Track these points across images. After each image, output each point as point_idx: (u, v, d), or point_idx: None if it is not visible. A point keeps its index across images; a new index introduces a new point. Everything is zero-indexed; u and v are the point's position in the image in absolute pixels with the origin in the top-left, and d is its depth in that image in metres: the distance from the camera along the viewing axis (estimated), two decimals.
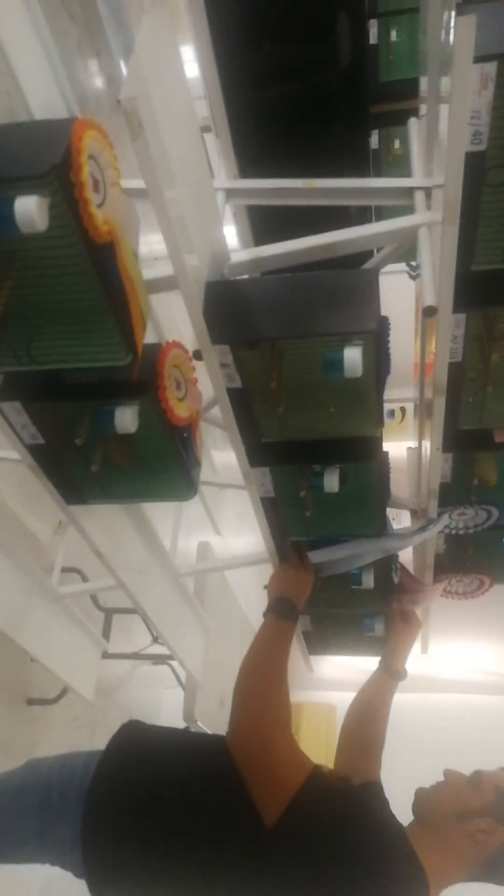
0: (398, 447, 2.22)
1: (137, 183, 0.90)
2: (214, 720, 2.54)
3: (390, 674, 1.56)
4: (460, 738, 4.95)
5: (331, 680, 5.27)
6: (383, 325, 1.01)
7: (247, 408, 1.13)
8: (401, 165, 2.49)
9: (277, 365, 1.05)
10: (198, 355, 1.04)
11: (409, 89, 2.18)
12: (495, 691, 5.46)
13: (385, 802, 1.22)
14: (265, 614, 1.37)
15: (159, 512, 2.60)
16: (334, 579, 1.49)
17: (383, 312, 0.99)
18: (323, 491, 1.21)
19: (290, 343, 1.01)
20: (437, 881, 1.02)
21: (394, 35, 2.38)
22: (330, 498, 1.29)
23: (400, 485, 1.78)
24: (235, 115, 1.22)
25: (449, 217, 0.85)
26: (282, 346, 1.03)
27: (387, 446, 1.31)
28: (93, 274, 0.86)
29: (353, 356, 0.95)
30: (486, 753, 4.63)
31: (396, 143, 2.57)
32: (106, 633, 2.70)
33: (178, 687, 2.96)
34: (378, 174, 2.60)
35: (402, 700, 1.58)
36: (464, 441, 1.25)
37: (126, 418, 1.02)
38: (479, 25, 0.70)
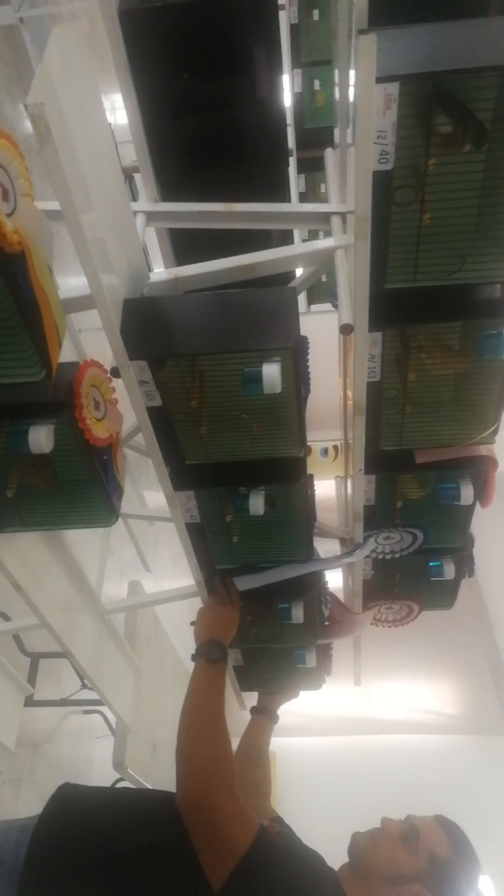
0: (333, 487, 2.23)
1: (53, 205, 0.89)
2: (146, 767, 2.44)
3: (268, 716, 1.73)
4: (399, 778, 4.90)
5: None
6: (302, 343, 1.02)
7: (168, 428, 1.11)
8: None
9: (198, 383, 1.04)
10: (115, 372, 1.03)
11: (332, 136, 2.28)
12: (432, 730, 5.46)
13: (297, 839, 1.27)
14: (194, 658, 1.39)
15: (86, 549, 2.53)
16: (264, 615, 1.47)
17: (312, 350, 1.01)
18: (248, 514, 1.20)
19: (209, 359, 1.00)
20: None
21: (317, 84, 2.50)
22: (256, 522, 1.28)
23: (333, 520, 1.79)
24: (156, 142, 1.23)
25: (360, 234, 0.87)
26: (202, 363, 1.02)
27: (320, 484, 1.32)
28: (2, 285, 0.84)
29: (271, 372, 0.95)
30: (425, 792, 4.62)
31: (322, 188, 2.67)
32: (32, 678, 2.58)
33: (111, 735, 2.84)
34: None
35: (340, 742, 1.64)
36: (386, 462, 1.26)
37: (41, 438, 0.99)
38: (381, 50, 0.73)
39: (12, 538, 1.31)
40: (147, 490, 2.34)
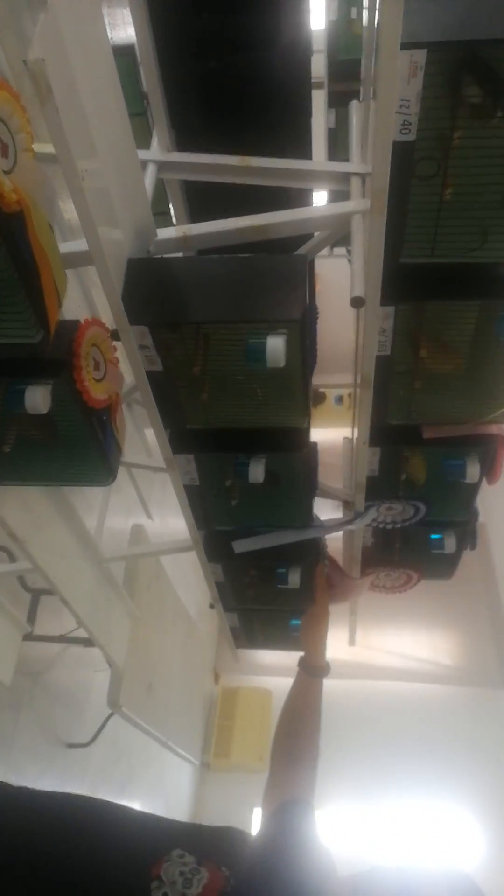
0: (347, 433, 2.20)
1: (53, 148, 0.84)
2: (141, 705, 2.51)
3: (313, 672, 1.47)
4: (392, 725, 5.05)
5: (266, 665, 5.31)
6: (311, 313, 0.98)
7: (169, 393, 1.09)
8: None
9: (202, 350, 1.01)
10: (115, 335, 1.00)
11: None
12: (429, 680, 5.58)
13: (310, 827, 1.16)
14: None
15: (88, 494, 2.54)
16: (261, 577, 1.47)
17: (329, 296, 0.96)
18: (248, 481, 1.18)
19: (212, 328, 0.97)
20: None
21: (353, 12, 2.34)
22: (256, 488, 1.27)
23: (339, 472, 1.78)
24: (172, 86, 1.17)
25: (377, 206, 0.83)
26: (206, 332, 0.99)
27: (334, 432, 1.29)
28: (0, 245, 0.80)
29: (275, 345, 0.92)
30: (418, 740, 4.73)
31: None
32: (32, 614, 2.63)
33: (110, 669, 2.92)
34: (334, 155, 2.57)
35: (336, 686, 1.53)
36: (392, 435, 1.24)
37: (37, 398, 0.97)
38: (409, 11, 0.67)
39: (10, 489, 1.31)
40: (148, 429, 2.32)
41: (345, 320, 1.42)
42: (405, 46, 0.70)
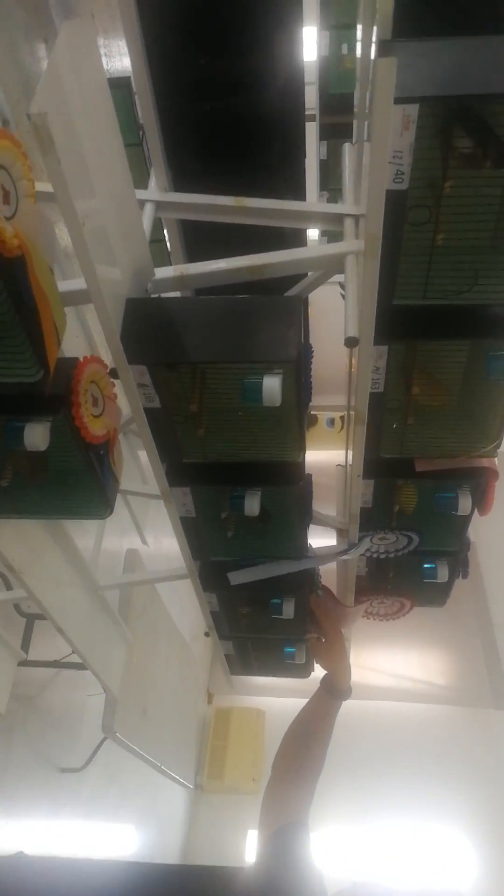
0: (338, 456, 2.21)
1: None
2: (136, 731, 2.50)
3: (335, 695, 1.46)
4: (385, 744, 5.03)
5: (259, 685, 5.29)
6: (306, 352, 1.00)
7: (166, 428, 1.10)
8: None
9: (198, 388, 1.03)
10: (114, 374, 1.01)
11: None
12: (421, 699, 5.57)
13: (306, 853, 1.16)
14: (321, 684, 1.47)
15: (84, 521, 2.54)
16: (255, 605, 1.48)
17: (320, 320, 0.98)
18: (244, 513, 1.19)
19: (210, 368, 0.99)
20: None
21: (345, 48, 2.39)
22: (252, 520, 1.28)
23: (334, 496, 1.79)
24: (169, 127, 1.19)
25: (369, 252, 0.85)
26: (203, 371, 1.00)
27: (326, 455, 1.30)
28: (1, 288, 0.82)
29: (271, 385, 0.93)
30: (410, 759, 4.71)
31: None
32: (27, 638, 2.62)
33: (103, 693, 2.91)
34: (326, 186, 2.61)
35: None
36: (385, 468, 1.25)
37: (36, 436, 0.98)
38: (402, 65, 0.69)
39: (6, 521, 1.32)
40: (143, 454, 2.34)
41: (337, 344, 1.44)
42: (398, 101, 0.73)
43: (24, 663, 2.14)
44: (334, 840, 4.66)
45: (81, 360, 1.05)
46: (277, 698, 5.25)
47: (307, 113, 1.31)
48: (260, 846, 1.22)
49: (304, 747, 1.36)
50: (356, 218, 1.10)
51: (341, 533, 1.51)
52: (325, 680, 1.49)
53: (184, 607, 3.73)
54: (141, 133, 1.53)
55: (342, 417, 5.37)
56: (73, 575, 1.63)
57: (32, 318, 0.87)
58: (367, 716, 5.12)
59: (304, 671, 1.77)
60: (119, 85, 1.49)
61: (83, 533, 1.96)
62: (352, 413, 1.23)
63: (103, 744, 3.31)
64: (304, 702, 1.48)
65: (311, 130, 2.29)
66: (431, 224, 0.87)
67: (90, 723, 3.47)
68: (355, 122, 1.18)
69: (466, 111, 0.79)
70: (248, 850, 5.01)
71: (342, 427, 5.31)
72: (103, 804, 3.81)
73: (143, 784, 4.30)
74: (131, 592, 2.29)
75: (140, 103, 1.15)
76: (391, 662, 5.71)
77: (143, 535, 2.23)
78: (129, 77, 1.41)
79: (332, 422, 5.28)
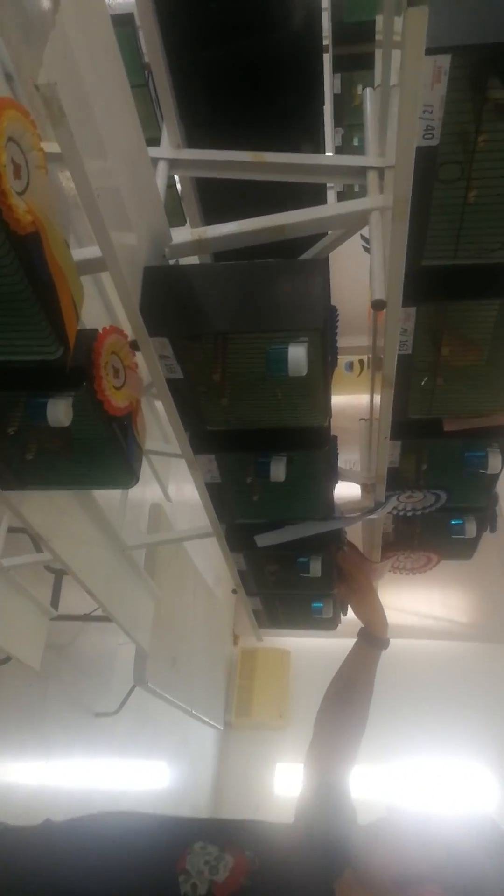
0: (358, 399, 2.18)
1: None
2: (167, 680, 2.56)
3: (374, 643, 1.45)
4: (408, 680, 5.13)
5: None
6: (331, 317, 0.97)
7: (189, 398, 1.08)
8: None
9: (221, 358, 1.00)
10: (135, 346, 0.99)
11: (372, 31, 2.07)
12: (441, 636, 5.66)
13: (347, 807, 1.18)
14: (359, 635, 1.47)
15: None
16: (282, 563, 1.48)
17: (338, 260, 0.94)
18: (269, 478, 1.18)
19: (233, 337, 0.96)
20: None
21: None
22: (278, 484, 1.27)
23: (355, 440, 1.77)
24: (180, 78, 1.13)
25: (398, 214, 0.80)
26: (226, 340, 0.98)
27: (345, 399, 1.27)
28: (17, 267, 0.79)
29: (297, 355, 0.90)
30: (433, 697, 4.79)
31: (360, 88, 2.44)
32: (56, 593, 2.67)
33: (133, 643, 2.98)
34: (340, 123, 2.49)
35: (346, 646, 1.50)
36: (412, 429, 1.23)
37: (59, 412, 0.97)
38: (434, 12, 0.64)
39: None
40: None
41: (355, 283, 1.39)
42: (430, 52, 0.68)
43: (54, 618, 2.18)
44: (361, 777, 4.81)
45: (101, 331, 1.03)
46: (300, 638, 5.36)
47: None
48: (303, 789, 1.24)
49: (347, 701, 1.36)
50: (380, 171, 1.05)
51: (366, 488, 1.50)
52: (362, 631, 1.48)
53: (206, 554, 3.77)
54: (146, 73, 1.46)
55: (360, 361, 5.29)
56: (99, 537, 1.64)
57: (50, 296, 0.84)
58: (391, 655, 5.22)
59: (331, 624, 1.78)
60: (122, 22, 1.41)
61: (108, 492, 1.96)
62: (377, 370, 1.20)
63: (135, 689, 3.40)
64: (329, 640, 1.50)
65: (325, 62, 2.16)
66: (463, 181, 0.82)
67: (122, 669, 3.57)
68: (378, 59, 1.10)
69: (501, 59, 0.73)
70: (277, 783, 5.20)
71: (361, 371, 5.23)
72: (137, 744, 3.95)
73: (175, 724, 4.44)
74: (157, 548, 2.32)
75: (149, 54, 1.08)
76: (413, 601, 5.78)
77: (166, 491, 2.23)
78: (132, 14, 1.34)
79: (350, 366, 5.19)
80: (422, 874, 0.89)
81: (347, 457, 1.49)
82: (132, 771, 3.91)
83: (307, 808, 1.19)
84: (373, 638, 1.46)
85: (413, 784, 4.87)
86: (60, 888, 0.97)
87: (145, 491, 3.20)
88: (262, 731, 5.39)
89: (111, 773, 3.63)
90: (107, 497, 1.70)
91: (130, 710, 3.51)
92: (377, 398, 1.16)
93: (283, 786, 5.16)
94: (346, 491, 1.45)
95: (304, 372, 0.91)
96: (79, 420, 1.04)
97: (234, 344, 0.97)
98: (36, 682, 2.94)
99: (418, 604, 5.80)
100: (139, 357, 1.10)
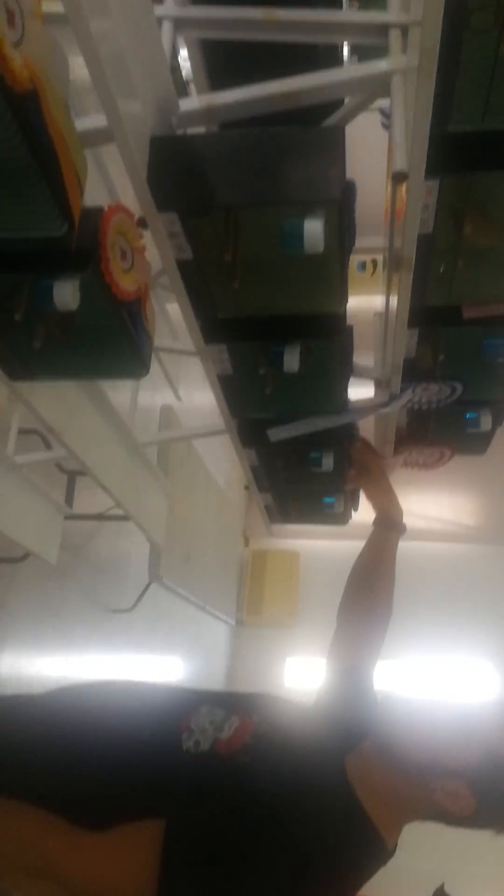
0: (370, 301, 2.13)
1: (60, 5, 0.76)
2: (180, 576, 2.63)
3: (390, 526, 1.42)
4: (416, 583, 5.25)
5: (292, 528, 5.48)
6: (349, 191, 0.91)
7: (199, 281, 1.04)
8: None
9: (233, 235, 0.95)
10: (142, 223, 0.94)
11: None
12: (449, 539, 5.76)
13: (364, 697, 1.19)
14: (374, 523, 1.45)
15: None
16: (294, 458, 1.47)
17: (354, 149, 0.89)
18: (283, 369, 1.15)
19: (245, 211, 0.91)
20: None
21: None
22: (291, 376, 1.24)
23: (368, 343, 1.73)
24: None
25: (425, 67, 0.74)
26: (237, 215, 0.93)
27: (357, 301, 1.23)
28: (15, 130, 0.74)
29: (314, 229, 0.86)
30: (440, 598, 4.91)
31: None
32: (70, 493, 2.71)
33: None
34: None
35: (356, 548, 1.47)
36: (431, 316, 1.19)
37: (66, 294, 0.94)
38: None
39: (43, 383, 1.30)
40: (176, 310, 2.27)
41: (369, 177, 1.31)
42: None
43: (69, 517, 2.21)
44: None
45: (106, 209, 0.98)
46: (308, 540, 5.47)
47: None
48: (327, 672, 1.26)
49: (370, 589, 1.34)
50: (403, 28, 0.96)
51: (380, 384, 1.47)
52: (378, 519, 1.46)
53: (217, 457, 3.79)
54: None
55: (374, 261, 5.12)
56: (111, 433, 1.63)
57: (51, 163, 0.79)
58: (399, 556, 5.32)
59: (342, 518, 1.80)
60: None
61: (117, 391, 1.94)
62: (395, 256, 1.15)
63: (150, 587, 3.50)
64: (336, 543, 1.52)
65: None
66: (496, 30, 0.75)
67: (137, 568, 3.66)
68: None
69: None
70: (287, 675, 5.43)
71: (374, 270, 5.08)
72: (152, 640, 4.11)
73: (189, 621, 4.60)
74: (169, 447, 2.32)
75: None
76: (422, 505, 5.84)
77: (176, 391, 2.21)
78: None
79: (363, 265, 5.03)
80: (451, 769, 0.88)
81: (360, 360, 1.44)
82: (148, 665, 4.09)
83: (329, 690, 1.22)
84: (390, 522, 1.43)
85: (420, 680, 5.07)
86: (58, 743, 0.99)
87: (154, 396, 3.19)
88: (272, 628, 5.58)
89: (128, 667, 3.78)
90: (117, 398, 1.69)
91: (146, 607, 3.63)
92: (395, 286, 1.12)
93: (293, 679, 5.39)
94: (358, 394, 1.42)
95: (321, 248, 0.87)
96: (86, 305, 1.01)
97: (247, 219, 0.92)
98: (53, 581, 3.03)
99: (427, 507, 5.86)
100: (147, 242, 1.06)
